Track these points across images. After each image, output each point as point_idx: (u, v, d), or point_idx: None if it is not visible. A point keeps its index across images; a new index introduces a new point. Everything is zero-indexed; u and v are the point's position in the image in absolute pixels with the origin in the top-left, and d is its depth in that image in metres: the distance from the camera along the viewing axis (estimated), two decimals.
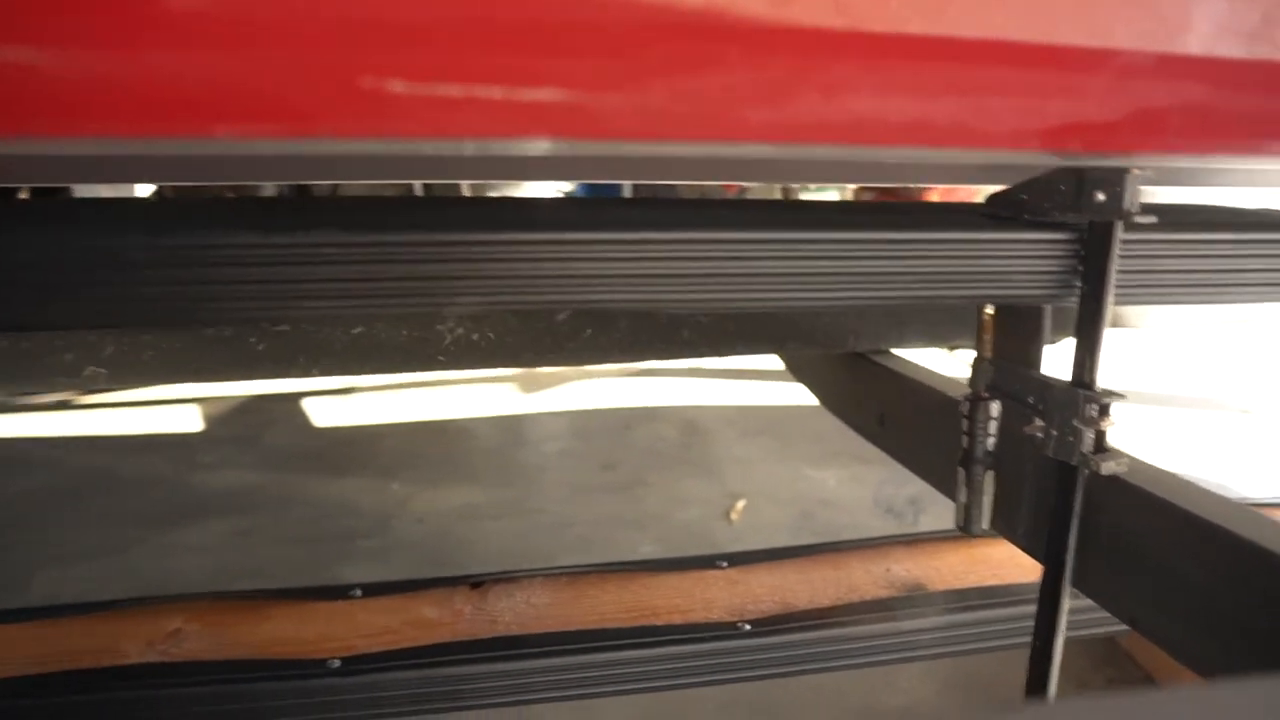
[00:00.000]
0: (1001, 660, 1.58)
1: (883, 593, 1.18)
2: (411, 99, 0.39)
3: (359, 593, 1.16)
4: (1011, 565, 1.23)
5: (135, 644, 1.05)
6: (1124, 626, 0.79)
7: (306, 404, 3.25)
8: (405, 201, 0.89)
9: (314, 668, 0.99)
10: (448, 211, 0.75)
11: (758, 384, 3.41)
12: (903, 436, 1.16)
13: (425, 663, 1.01)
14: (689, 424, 2.98)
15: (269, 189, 3.07)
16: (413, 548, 2.06)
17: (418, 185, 3.29)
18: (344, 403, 3.26)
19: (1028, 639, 1.12)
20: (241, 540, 2.11)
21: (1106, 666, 1.61)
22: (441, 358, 1.07)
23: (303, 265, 0.59)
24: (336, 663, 1.00)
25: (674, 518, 2.21)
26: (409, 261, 0.60)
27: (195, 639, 1.07)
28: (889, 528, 2.16)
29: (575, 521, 2.19)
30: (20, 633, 1.05)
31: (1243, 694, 0.36)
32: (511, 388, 3.39)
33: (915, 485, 2.33)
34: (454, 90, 0.39)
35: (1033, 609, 1.10)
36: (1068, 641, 0.92)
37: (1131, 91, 0.45)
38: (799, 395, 3.19)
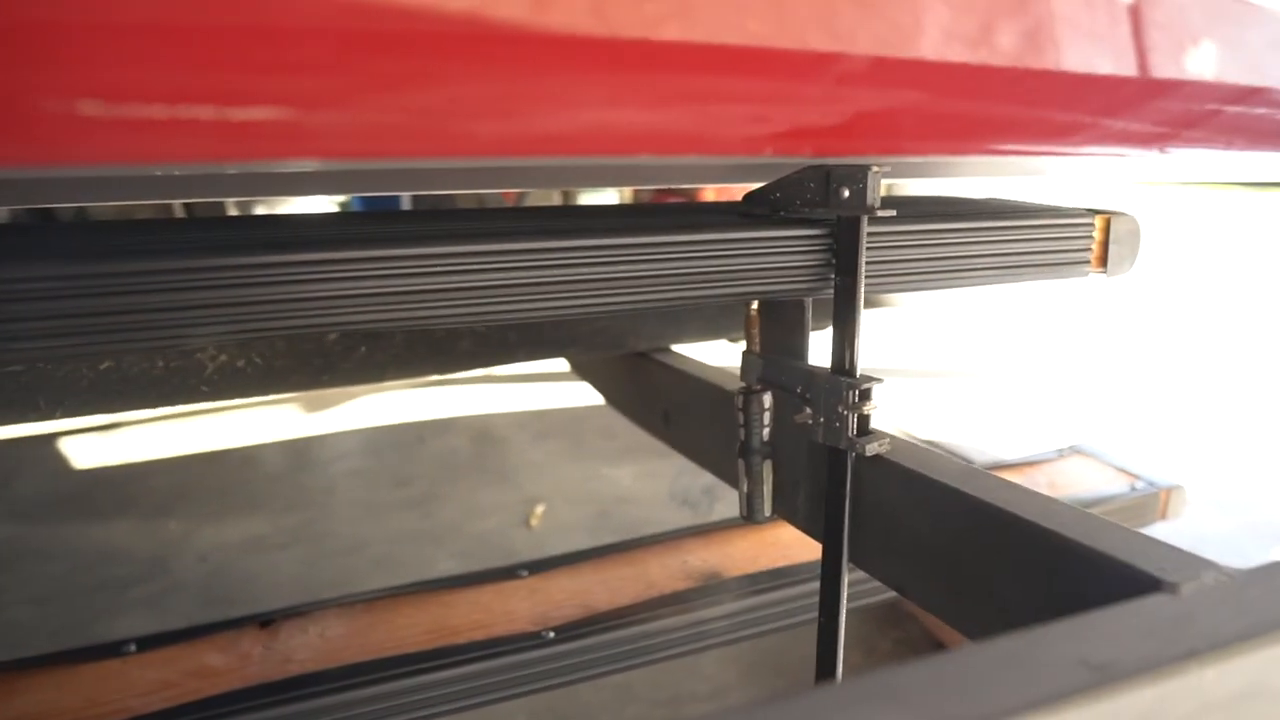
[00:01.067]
0: (796, 637, 1.66)
1: (680, 585, 1.20)
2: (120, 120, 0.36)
3: (133, 648, 1.07)
4: (800, 546, 1.29)
5: None
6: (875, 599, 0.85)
7: (62, 444, 2.97)
8: (150, 225, 0.83)
9: None
10: (191, 234, 0.70)
11: (547, 386, 3.41)
12: (687, 432, 1.19)
13: (211, 716, 0.94)
14: (482, 432, 2.95)
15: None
16: (196, 589, 1.93)
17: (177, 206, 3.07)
18: (106, 439, 3.00)
19: (812, 615, 1.18)
20: None
21: (892, 629, 1.71)
22: (205, 388, 1.00)
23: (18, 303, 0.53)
24: None
25: (472, 529, 2.18)
26: (146, 292, 0.55)
27: None
28: (686, 519, 2.21)
29: (370, 542, 2.11)
30: None
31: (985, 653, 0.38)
32: (294, 408, 3.23)
33: (709, 476, 2.39)
34: (157, 112, 0.36)
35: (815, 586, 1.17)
36: (854, 610, 0.97)
37: (864, 96, 0.47)
38: (589, 394, 3.24)
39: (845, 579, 0.77)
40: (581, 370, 1.65)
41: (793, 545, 1.30)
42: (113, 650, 1.07)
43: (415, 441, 2.86)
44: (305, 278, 0.58)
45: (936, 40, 0.52)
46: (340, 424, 3.09)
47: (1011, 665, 0.37)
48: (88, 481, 2.68)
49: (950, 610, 0.66)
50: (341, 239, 0.64)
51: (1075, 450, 1.62)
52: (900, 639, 1.70)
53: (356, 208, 3.99)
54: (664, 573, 1.24)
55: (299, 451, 2.85)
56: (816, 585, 1.17)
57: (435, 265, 0.63)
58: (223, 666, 1.05)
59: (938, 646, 1.69)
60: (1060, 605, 0.54)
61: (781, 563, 1.26)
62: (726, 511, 2.24)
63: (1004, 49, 0.52)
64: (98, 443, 2.98)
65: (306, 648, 1.08)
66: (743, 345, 0.88)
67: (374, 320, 0.62)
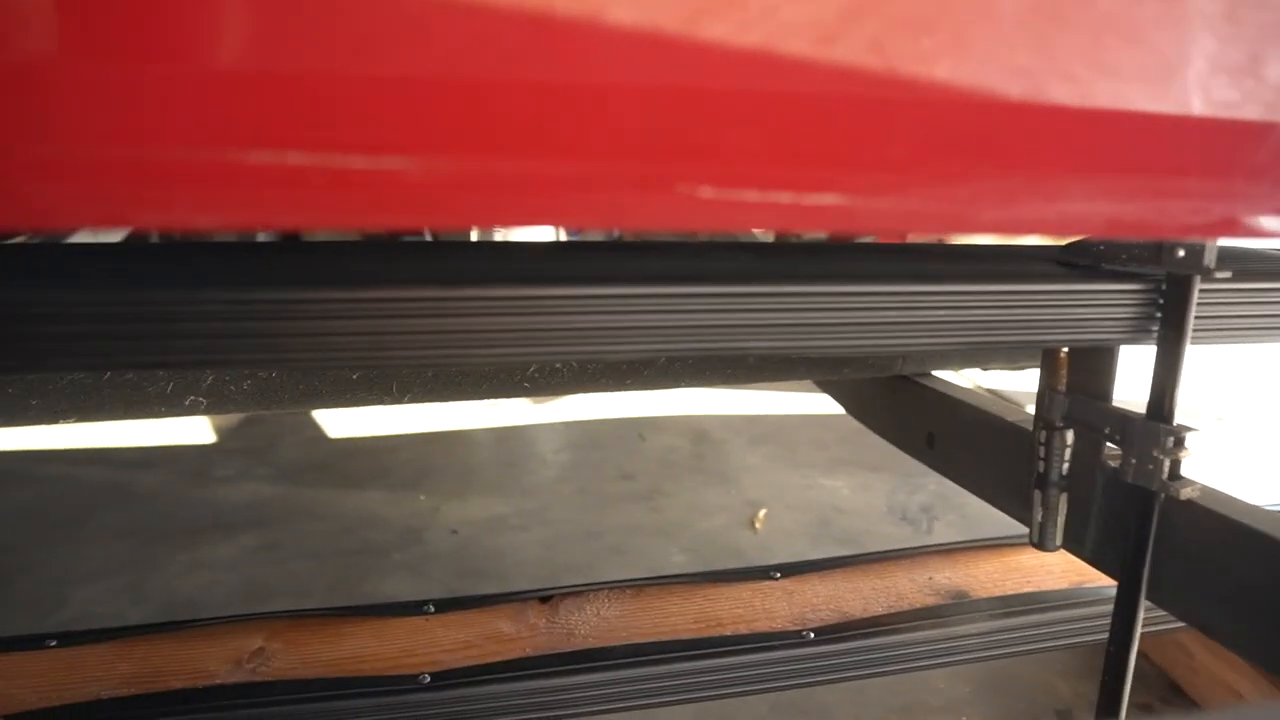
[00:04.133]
0: (1024, 661, 1.67)
1: (929, 600, 1.24)
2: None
3: (432, 609, 1.20)
4: (1043, 573, 1.30)
5: (221, 664, 1.08)
6: (1160, 627, 0.87)
7: (317, 416, 3.27)
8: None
9: (406, 683, 1.04)
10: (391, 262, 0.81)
11: (757, 392, 3.47)
12: (957, 456, 1.23)
13: (511, 676, 1.04)
14: (698, 433, 3.05)
15: None
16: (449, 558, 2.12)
17: None
18: (352, 414, 3.28)
19: (1059, 642, 1.20)
20: None
21: None
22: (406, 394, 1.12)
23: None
24: (427, 678, 1.04)
25: (699, 526, 2.28)
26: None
27: (280, 657, 1.10)
28: (905, 533, 2.23)
29: (603, 531, 2.25)
30: (108, 653, 1.08)
31: None
32: (521, 400, 3.44)
33: (925, 493, 2.40)
34: None
35: (1063, 614, 1.18)
36: (1096, 644, 0.99)
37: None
38: (798, 403, 3.28)
39: (1140, 613, 0.80)
40: (827, 384, 1.71)
41: (1036, 571, 1.31)
42: (415, 608, 1.20)
43: (635, 438, 2.99)
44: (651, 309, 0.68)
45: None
46: (563, 416, 3.26)
47: None
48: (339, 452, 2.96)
49: (1263, 654, 0.69)
50: (644, 275, 0.74)
51: None
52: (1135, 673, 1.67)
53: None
54: (911, 586, 1.28)
55: (527, 440, 3.04)
56: (1060, 614, 1.19)
57: (752, 302, 0.71)
58: (513, 634, 1.15)
59: (1173, 688, 1.66)
60: None
61: (1027, 588, 1.27)
62: (944, 530, 2.25)
63: None
64: (340, 417, 3.26)
65: (585, 624, 1.17)
66: (994, 373, 0.92)
67: (680, 349, 0.71)
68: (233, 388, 1.02)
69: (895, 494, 2.48)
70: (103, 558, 2.14)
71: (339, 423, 3.20)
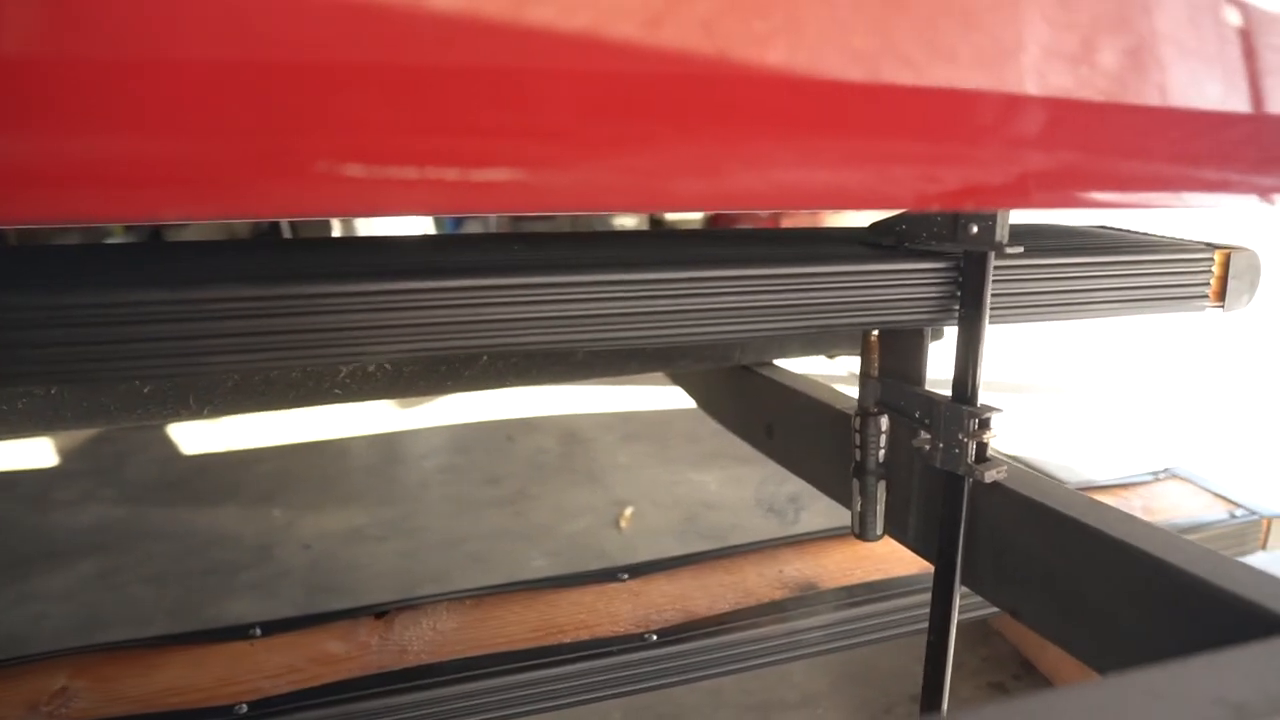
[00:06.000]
0: (883, 650, 1.68)
1: (777, 594, 1.23)
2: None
3: (258, 631, 1.13)
4: (894, 560, 1.30)
5: (15, 709, 1.00)
6: (996, 609, 0.87)
7: (168, 431, 3.12)
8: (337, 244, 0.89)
9: (220, 715, 0.97)
10: (364, 258, 0.76)
11: (631, 389, 3.46)
12: (792, 446, 1.22)
13: (337, 699, 1.00)
14: (569, 433, 3.01)
15: None
16: (301, 575, 2.02)
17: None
18: (203, 428, 3.14)
19: (912, 629, 1.20)
20: None
21: (980, 646, 1.71)
22: (338, 391, 1.06)
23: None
24: (244, 708, 0.98)
25: (563, 529, 2.23)
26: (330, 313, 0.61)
27: (84, 696, 1.03)
28: (771, 526, 2.23)
29: (465, 539, 2.18)
30: None
31: (1125, 686, 0.41)
32: (388, 404, 3.34)
33: (794, 484, 2.41)
34: None
35: (914, 599, 1.18)
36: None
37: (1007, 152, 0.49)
38: (671, 398, 3.27)
39: (956, 599, 0.79)
40: (677, 376, 1.69)
41: (887, 559, 1.31)
42: (240, 633, 1.13)
43: (504, 440, 2.93)
44: (469, 302, 0.63)
45: (1110, 85, 0.52)
46: (430, 420, 3.18)
47: (1151, 699, 0.39)
48: (193, 468, 2.81)
49: (1067, 636, 0.68)
50: (497, 266, 0.69)
51: (1171, 473, 1.58)
52: (988, 656, 1.70)
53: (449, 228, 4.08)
54: (760, 581, 1.27)
55: (391, 446, 2.95)
56: (908, 600, 1.19)
57: (571, 294, 0.67)
58: (343, 654, 1.10)
59: (1025, 664, 1.70)
60: (1185, 640, 0.56)
61: (876, 576, 1.27)
62: (811, 520, 2.26)
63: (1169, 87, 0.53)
64: (198, 431, 3.11)
65: (420, 639, 1.13)
66: (840, 361, 0.91)
67: (526, 342, 0.66)
68: (3, 407, 0.93)
69: (764, 486, 2.48)
70: None
71: (194, 437, 3.05)
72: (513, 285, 0.65)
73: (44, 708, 1.01)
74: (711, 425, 2.90)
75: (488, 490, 2.50)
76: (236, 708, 0.99)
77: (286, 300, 0.61)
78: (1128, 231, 1.10)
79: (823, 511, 2.28)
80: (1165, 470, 1.59)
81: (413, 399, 3.34)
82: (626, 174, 0.42)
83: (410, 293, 0.62)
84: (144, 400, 0.97)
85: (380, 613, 1.18)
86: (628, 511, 2.31)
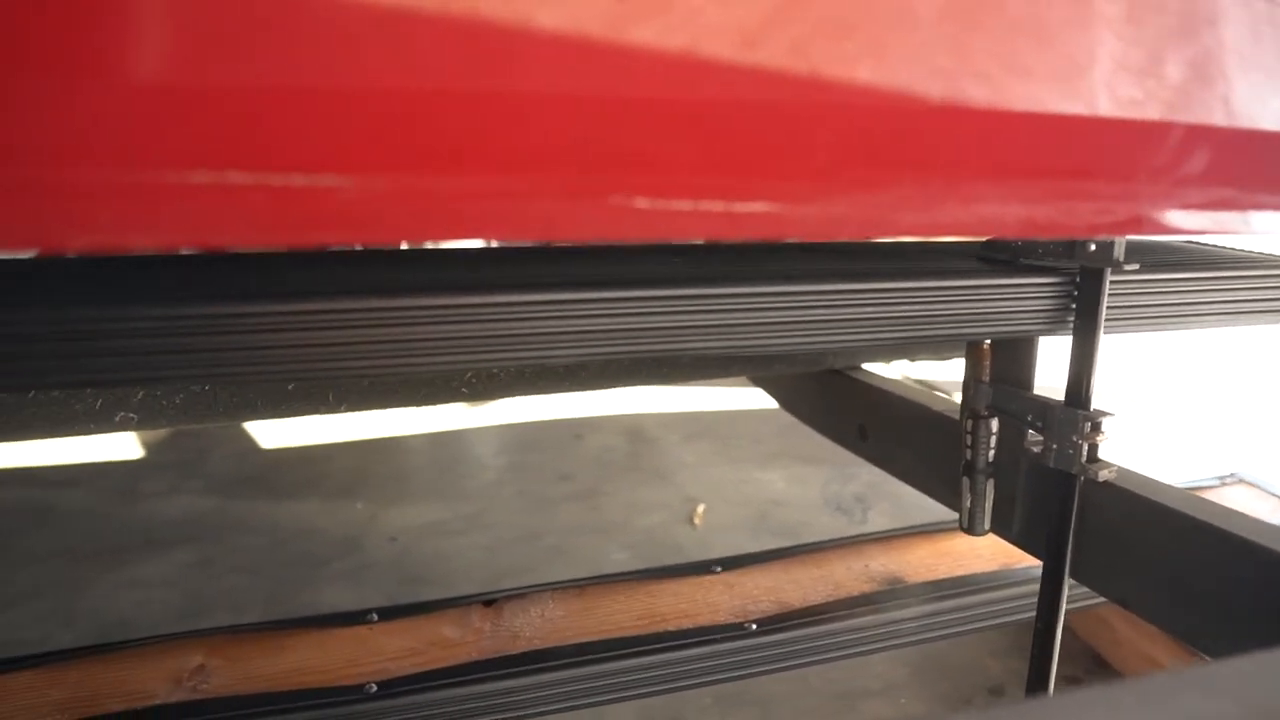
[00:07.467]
0: (960, 642, 1.71)
1: (865, 587, 1.27)
2: None
3: (375, 617, 1.19)
4: (973, 556, 1.34)
5: (161, 684, 1.06)
6: (1085, 603, 0.91)
7: (247, 428, 3.21)
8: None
9: (353, 693, 1.03)
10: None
11: (690, 389, 3.50)
12: (888, 447, 1.26)
13: (459, 681, 1.04)
14: (633, 432, 3.07)
15: None
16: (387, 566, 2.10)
17: None
18: (284, 424, 3.23)
19: (990, 622, 1.24)
20: None
21: None
22: (464, 390, 1.13)
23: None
24: (373, 687, 1.03)
25: (637, 524, 2.29)
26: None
27: (220, 674, 1.09)
28: (840, 523, 2.27)
29: (543, 533, 2.25)
30: (37, 679, 1.05)
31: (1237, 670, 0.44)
32: (456, 404, 3.40)
33: (858, 483, 2.44)
34: None
35: (992, 595, 1.22)
36: (1025, 622, 1.02)
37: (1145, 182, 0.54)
38: (731, 399, 3.32)
39: (1065, 591, 0.84)
40: (760, 380, 1.73)
41: (966, 555, 1.35)
42: (358, 618, 1.19)
43: (572, 439, 3.00)
44: (635, 311, 0.70)
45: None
46: (497, 419, 3.25)
47: (1266, 676, 0.42)
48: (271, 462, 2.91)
49: (1180, 624, 0.73)
50: (662, 279, 0.75)
51: (1237, 478, 1.60)
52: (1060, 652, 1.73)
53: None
54: (848, 575, 1.31)
55: (462, 443, 3.03)
56: (991, 595, 1.23)
57: (728, 304, 0.73)
58: (458, 639, 1.15)
59: (1095, 658, 1.73)
60: None
61: (959, 572, 1.31)
62: (878, 518, 2.30)
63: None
64: (270, 427, 3.20)
65: (530, 626, 1.18)
66: (921, 364, 0.95)
67: (674, 349, 0.72)
68: (164, 402, 1.01)
69: (829, 485, 2.52)
70: (27, 581, 2.08)
71: (271, 433, 3.15)
72: (676, 296, 0.70)
73: (186, 683, 1.07)
74: (774, 425, 2.97)
75: (561, 487, 2.57)
76: (367, 687, 1.03)
77: (483, 308, 0.68)
78: (1215, 247, 1.13)
79: (887, 511, 2.33)
80: (1231, 475, 1.61)
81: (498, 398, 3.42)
82: (863, 207, 0.48)
83: (587, 302, 0.69)
84: (288, 397, 1.04)
85: (489, 601, 1.23)
86: (700, 508, 2.36)
